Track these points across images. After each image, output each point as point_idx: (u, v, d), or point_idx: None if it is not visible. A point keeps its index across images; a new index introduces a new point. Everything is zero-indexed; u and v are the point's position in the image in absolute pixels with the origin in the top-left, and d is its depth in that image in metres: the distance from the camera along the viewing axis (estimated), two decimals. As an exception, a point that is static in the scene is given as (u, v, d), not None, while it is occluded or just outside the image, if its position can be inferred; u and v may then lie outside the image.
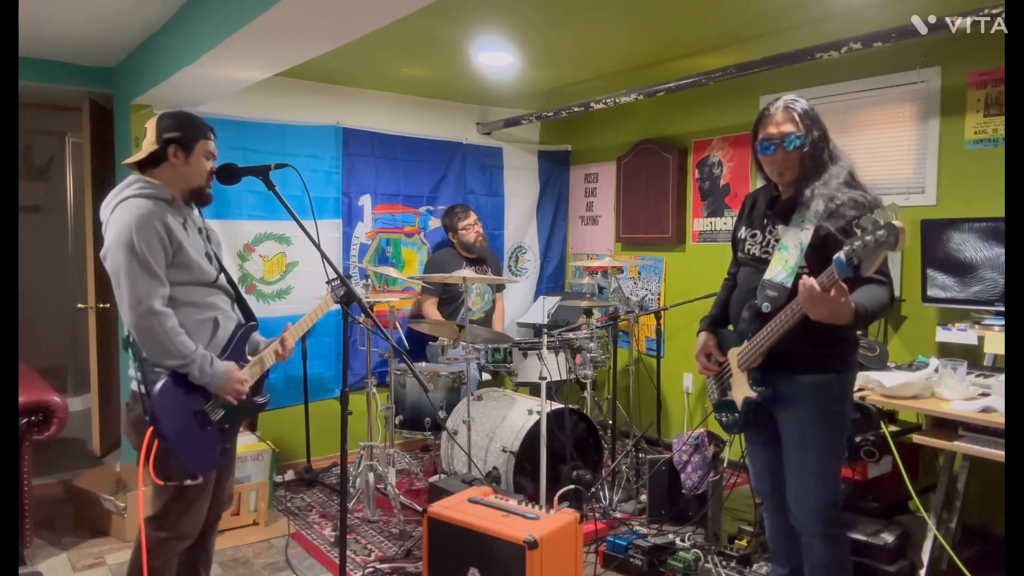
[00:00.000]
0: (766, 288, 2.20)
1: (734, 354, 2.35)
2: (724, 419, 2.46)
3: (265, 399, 2.44)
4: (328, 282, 2.52)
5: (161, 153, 2.25)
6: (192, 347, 2.15)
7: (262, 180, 2.30)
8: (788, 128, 2.17)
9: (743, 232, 2.39)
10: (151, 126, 2.29)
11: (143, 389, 2.13)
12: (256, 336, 2.44)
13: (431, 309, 4.69)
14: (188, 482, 2.17)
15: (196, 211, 2.39)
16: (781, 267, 2.18)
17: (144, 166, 2.28)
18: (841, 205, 2.09)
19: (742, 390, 2.31)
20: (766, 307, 2.19)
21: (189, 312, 2.21)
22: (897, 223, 1.75)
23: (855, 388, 2.56)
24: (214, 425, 2.23)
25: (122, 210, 2.16)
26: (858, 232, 1.82)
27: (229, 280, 2.40)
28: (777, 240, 2.24)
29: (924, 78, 3.49)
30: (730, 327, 2.45)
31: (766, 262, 2.24)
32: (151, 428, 2.09)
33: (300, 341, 4.20)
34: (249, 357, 2.35)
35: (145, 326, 2.09)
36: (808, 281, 1.94)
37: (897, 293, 3.48)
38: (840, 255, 1.85)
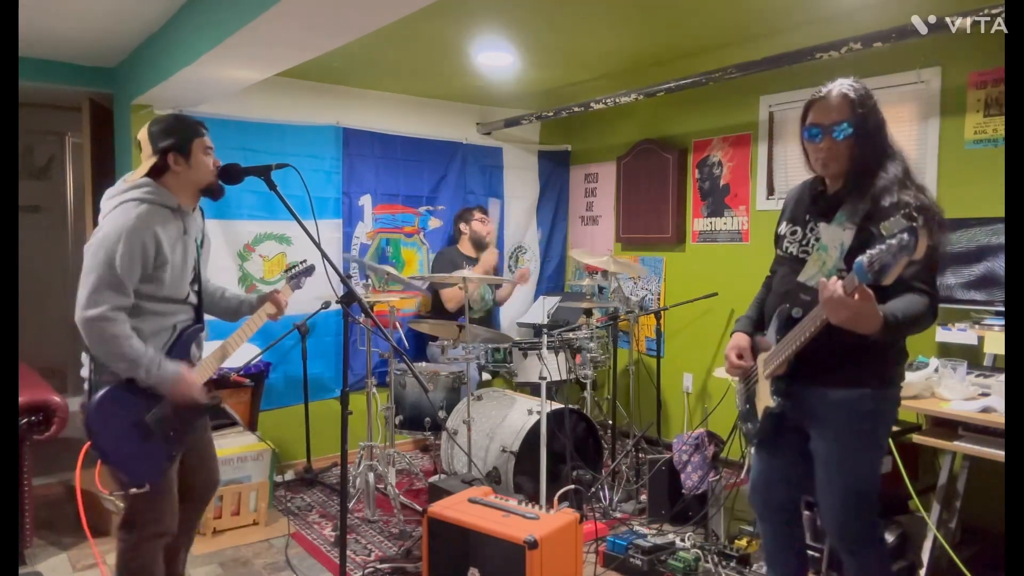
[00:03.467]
0: (799, 292, 2.06)
1: (762, 360, 2.20)
2: (746, 428, 2.33)
3: (214, 400, 2.40)
4: (286, 270, 2.63)
5: (162, 164, 2.24)
6: (142, 350, 2.13)
7: (263, 180, 2.30)
8: (839, 115, 1.98)
9: (783, 228, 2.22)
10: (144, 139, 2.27)
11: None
12: (201, 337, 2.42)
13: (458, 292, 4.51)
14: (133, 491, 2.17)
15: (200, 216, 2.40)
16: (817, 269, 2.00)
17: (150, 177, 2.26)
18: (891, 206, 1.88)
19: (764, 399, 2.19)
20: (796, 312, 2.05)
21: (151, 320, 2.21)
22: (918, 226, 1.62)
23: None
24: (157, 434, 2.21)
25: (120, 212, 2.15)
26: (884, 234, 1.68)
27: (199, 294, 2.40)
28: (817, 239, 2.06)
29: (924, 78, 3.49)
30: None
31: (803, 262, 2.08)
32: (88, 443, 2.10)
33: (300, 341, 4.22)
34: (194, 359, 2.35)
35: (93, 329, 2.09)
36: (831, 283, 1.79)
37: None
38: (862, 258, 1.69)
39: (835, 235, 1.99)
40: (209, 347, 2.46)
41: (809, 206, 2.15)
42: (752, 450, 2.41)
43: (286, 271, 2.65)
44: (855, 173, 2.02)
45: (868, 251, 1.69)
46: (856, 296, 1.75)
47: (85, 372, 2.23)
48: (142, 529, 2.24)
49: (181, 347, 2.30)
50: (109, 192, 2.25)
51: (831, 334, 1.91)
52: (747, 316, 2.35)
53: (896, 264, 1.65)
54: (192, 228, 2.32)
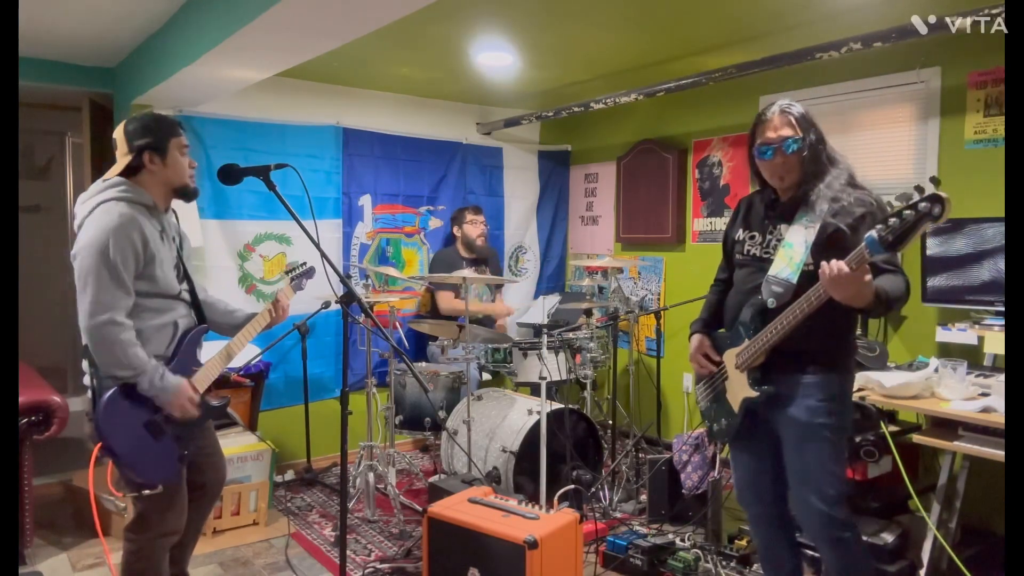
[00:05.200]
0: (771, 284, 2.18)
1: (731, 355, 2.31)
2: (717, 426, 2.40)
3: (222, 402, 2.40)
4: (286, 271, 2.65)
5: (137, 163, 2.23)
6: (144, 359, 2.13)
7: (263, 180, 2.30)
8: (786, 132, 2.17)
9: (740, 234, 2.37)
10: (119, 137, 2.25)
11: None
12: (202, 338, 2.42)
13: (452, 300, 4.68)
14: (147, 492, 2.17)
15: (173, 216, 2.40)
16: (786, 264, 2.17)
17: (125, 175, 2.25)
18: (849, 204, 2.10)
19: (741, 391, 2.26)
20: (771, 303, 2.16)
21: (149, 317, 2.21)
22: (942, 193, 1.71)
23: (855, 388, 2.54)
24: (168, 434, 2.21)
25: (102, 213, 2.14)
26: (890, 209, 1.81)
27: (191, 290, 2.40)
28: (779, 240, 2.23)
29: (924, 78, 3.49)
30: (721, 330, 2.42)
31: (767, 261, 2.23)
32: (99, 444, 2.10)
33: (300, 341, 4.22)
34: (199, 360, 2.35)
35: (100, 335, 2.08)
36: (834, 263, 1.91)
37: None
38: (872, 233, 1.82)
39: (798, 234, 2.18)
40: (208, 347, 2.46)
41: (766, 212, 2.32)
42: (730, 453, 2.46)
43: (286, 272, 2.67)
44: (807, 180, 2.20)
45: (878, 226, 1.82)
46: (858, 271, 1.89)
47: (87, 380, 2.22)
48: (151, 530, 2.24)
49: (187, 347, 2.30)
50: (83, 196, 2.24)
51: (806, 324, 2.07)
52: (700, 319, 2.51)
53: (917, 231, 1.77)
54: (168, 227, 2.32)
